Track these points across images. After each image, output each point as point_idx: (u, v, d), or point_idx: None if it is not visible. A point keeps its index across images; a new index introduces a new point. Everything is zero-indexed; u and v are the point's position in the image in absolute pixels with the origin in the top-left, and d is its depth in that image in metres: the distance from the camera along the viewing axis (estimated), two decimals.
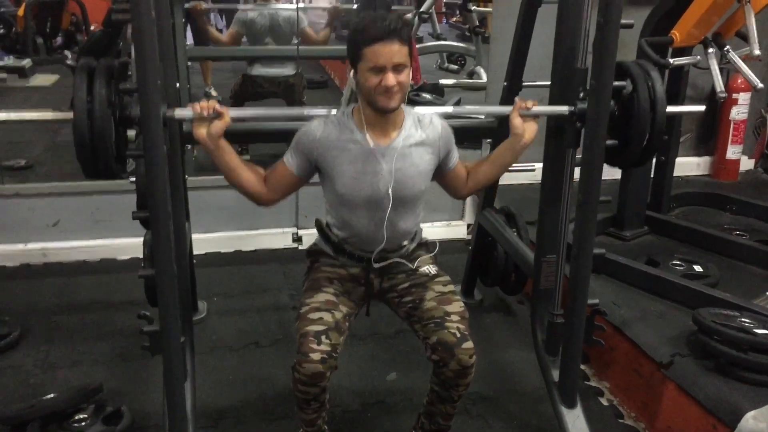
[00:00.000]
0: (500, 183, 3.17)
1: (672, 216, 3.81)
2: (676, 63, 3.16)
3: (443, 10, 10.59)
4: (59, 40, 8.05)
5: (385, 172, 2.03)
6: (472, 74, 7.29)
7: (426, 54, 7.40)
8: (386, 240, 2.11)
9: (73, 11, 8.02)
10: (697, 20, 3.03)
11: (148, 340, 2.11)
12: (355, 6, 4.81)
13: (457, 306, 2.11)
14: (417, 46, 6.45)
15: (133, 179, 2.49)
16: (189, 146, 2.74)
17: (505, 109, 2.21)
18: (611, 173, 3.35)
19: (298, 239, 3.97)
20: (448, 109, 2.33)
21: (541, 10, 2.59)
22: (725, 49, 3.07)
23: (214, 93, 6.54)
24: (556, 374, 2.40)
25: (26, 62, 7.20)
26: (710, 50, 3.10)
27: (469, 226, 4.09)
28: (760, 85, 3.05)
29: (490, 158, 2.25)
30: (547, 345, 2.48)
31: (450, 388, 2.09)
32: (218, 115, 1.93)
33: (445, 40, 8.03)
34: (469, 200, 4.12)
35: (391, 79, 1.90)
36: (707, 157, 4.64)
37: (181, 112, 1.97)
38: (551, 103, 2.28)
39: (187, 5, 4.45)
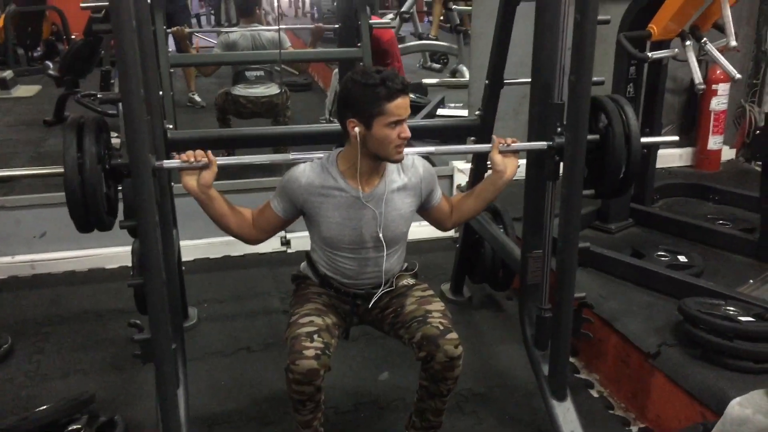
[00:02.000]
0: None
1: (656, 207, 3.85)
2: (654, 56, 3.20)
3: (424, 9, 10.63)
4: (40, 50, 8.03)
5: (369, 218, 2.09)
6: (455, 72, 7.33)
7: (408, 54, 7.43)
8: (371, 279, 2.20)
9: (54, 21, 7.99)
10: (674, 14, 3.06)
11: (139, 349, 2.11)
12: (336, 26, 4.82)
13: (437, 305, 2.17)
14: (399, 46, 6.47)
15: (120, 188, 2.50)
16: (174, 153, 2.74)
17: (485, 147, 2.29)
18: None
19: (286, 243, 3.95)
20: (430, 149, 2.39)
21: (520, 8, 2.61)
22: (702, 41, 3.11)
23: (198, 98, 6.55)
24: (545, 368, 2.42)
25: (8, 73, 7.18)
26: (688, 43, 3.13)
27: None
28: (738, 75, 3.08)
29: (473, 194, 2.30)
30: (537, 339, 2.50)
31: (439, 381, 2.12)
32: (206, 165, 1.98)
33: (427, 38, 8.06)
34: None
35: (406, 128, 1.98)
36: (689, 148, 4.68)
37: (170, 164, 2.04)
38: (530, 138, 2.34)
39: (169, 30, 4.45)
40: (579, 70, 2.01)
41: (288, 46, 4.96)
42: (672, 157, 4.62)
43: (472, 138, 3.10)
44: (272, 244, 3.92)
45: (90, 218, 1.93)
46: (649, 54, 3.19)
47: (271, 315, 3.32)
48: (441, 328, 2.07)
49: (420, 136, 3.83)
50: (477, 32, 4.17)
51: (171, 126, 2.75)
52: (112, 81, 5.84)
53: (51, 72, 6.20)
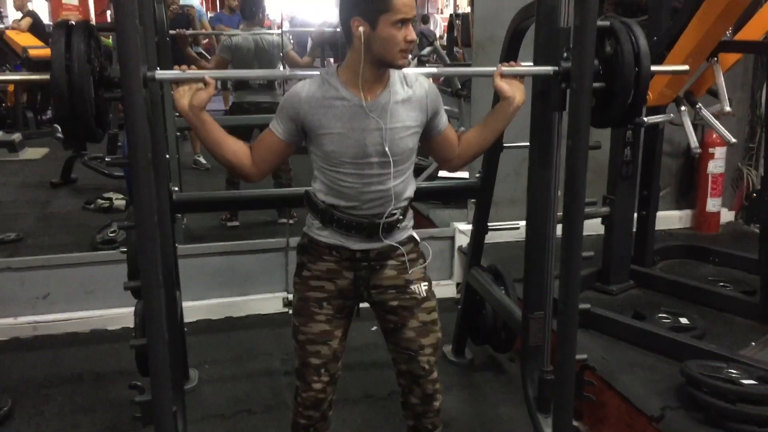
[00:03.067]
0: (486, 241, 3.22)
1: (656, 269, 3.87)
2: (650, 121, 3.27)
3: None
4: (49, 113, 8.18)
5: (372, 129, 1.98)
6: None
7: None
8: (375, 203, 2.06)
9: None
10: (668, 80, 3.15)
11: (140, 410, 2.10)
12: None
13: (433, 338, 2.19)
14: None
15: (124, 249, 2.54)
16: (179, 215, 2.79)
17: (488, 70, 2.18)
18: (595, 229, 3.43)
19: (288, 303, 3.98)
20: (432, 70, 2.30)
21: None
22: (697, 106, 3.18)
23: (202, 160, 6.64)
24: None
25: (16, 136, 7.30)
26: (683, 108, 3.21)
27: (458, 285, 4.13)
28: (733, 140, 3.15)
29: (483, 123, 2.20)
30: (539, 402, 2.48)
31: (420, 417, 2.22)
32: (202, 78, 1.91)
33: None
34: (457, 260, 4.16)
35: (413, 32, 1.91)
36: (688, 210, 4.72)
37: (161, 74, 1.96)
38: (536, 64, 2.25)
39: (171, 32, 4.53)
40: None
41: (290, 49, 5.05)
42: (671, 219, 4.66)
43: (473, 200, 3.14)
44: (275, 305, 3.96)
45: (78, 125, 1.84)
46: (646, 119, 3.26)
47: (273, 376, 3.30)
48: (426, 368, 2.16)
49: (421, 197, 3.87)
50: (477, 96, 4.26)
51: (177, 189, 2.79)
52: (119, 144, 5.95)
53: (59, 135, 6.30)
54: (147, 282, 1.87)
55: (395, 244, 2.11)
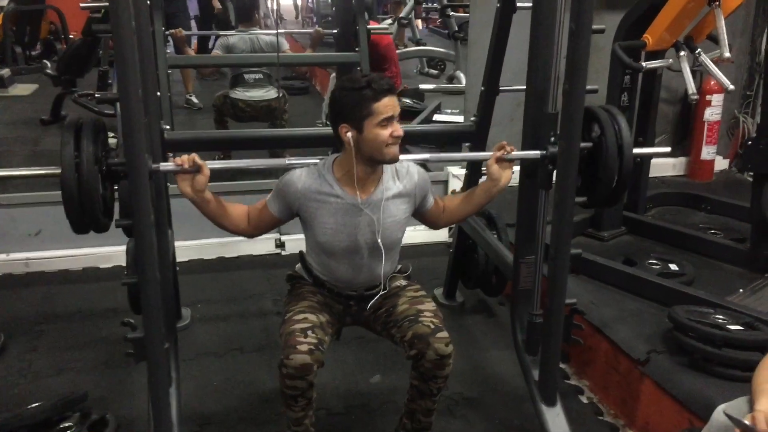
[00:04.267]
0: None
1: (648, 216, 3.88)
2: (649, 66, 3.23)
3: (423, 15, 10.66)
4: (38, 49, 8.02)
5: (364, 225, 2.12)
6: (452, 78, 7.33)
7: (406, 59, 7.45)
8: (365, 283, 2.24)
9: (52, 20, 7.99)
10: (668, 24, 3.10)
11: (132, 348, 2.11)
12: (334, 31, 4.82)
13: (429, 305, 2.21)
14: (397, 51, 6.50)
15: (116, 187, 2.51)
16: (171, 154, 2.76)
17: (484, 155, 2.33)
18: None
19: (281, 245, 3.99)
20: (426, 156, 2.40)
21: (516, 15, 2.63)
22: (697, 52, 3.14)
23: (195, 100, 6.56)
24: (536, 373, 2.43)
25: (5, 72, 7.16)
26: (682, 53, 3.16)
27: (450, 229, 4.13)
28: (731, 86, 3.11)
29: (466, 198, 2.33)
30: (527, 345, 2.52)
31: (429, 380, 2.16)
32: (198, 169, 1.99)
33: (425, 45, 8.08)
34: None
35: (398, 127, 2.01)
36: (682, 158, 4.71)
37: (166, 167, 2.05)
38: (524, 147, 2.36)
39: (167, 32, 4.47)
40: (573, 80, 2.02)
41: (286, 49, 4.98)
42: (665, 166, 4.65)
43: (467, 144, 3.13)
44: (267, 246, 3.97)
45: (86, 219, 1.93)
46: (644, 64, 3.22)
47: (265, 317, 3.33)
48: (432, 326, 2.11)
49: (416, 141, 3.86)
50: (474, 39, 4.20)
51: (168, 127, 2.76)
52: (110, 81, 5.86)
53: (48, 71, 6.20)
54: (138, 220, 1.86)
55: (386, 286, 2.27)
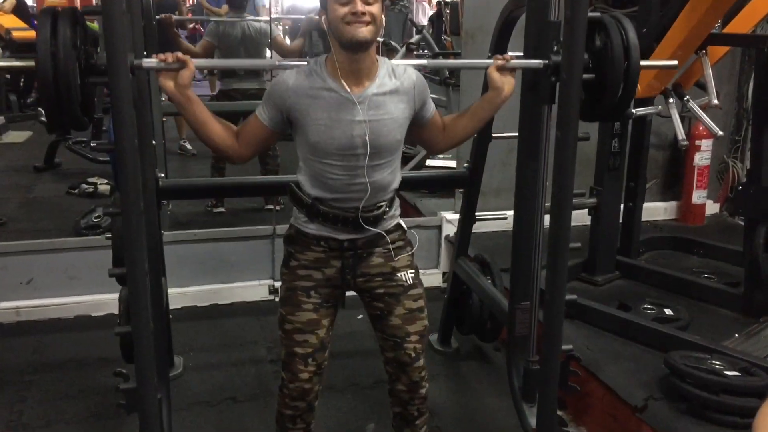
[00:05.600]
0: (474, 231, 3.23)
1: (642, 260, 3.89)
2: (638, 113, 3.27)
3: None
4: (32, 96, 8.08)
5: (359, 120, 1.99)
6: None
7: None
8: (361, 192, 2.06)
9: None
10: (657, 72, 3.15)
11: (124, 398, 2.09)
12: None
13: (419, 325, 2.20)
14: None
15: (109, 236, 2.51)
16: (165, 202, 2.77)
17: (484, 63, 2.21)
18: (581, 219, 3.44)
19: (274, 291, 3.97)
20: (423, 61, 2.32)
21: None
22: (685, 99, 3.19)
23: (188, 146, 6.59)
24: (533, 421, 2.41)
25: None
26: (671, 100, 3.21)
27: (444, 274, 4.13)
28: (720, 132, 3.17)
29: (469, 111, 2.22)
30: (524, 391, 2.50)
31: (406, 404, 2.24)
32: (183, 65, 1.89)
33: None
34: (444, 249, 4.17)
35: (359, 4, 1.88)
36: (674, 202, 4.75)
37: (148, 62, 1.93)
38: (526, 57, 2.26)
39: (157, 17, 4.49)
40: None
41: (276, 35, 5.01)
42: (657, 210, 4.68)
43: (461, 190, 3.14)
44: (260, 293, 3.94)
45: (63, 112, 1.81)
46: (634, 111, 3.26)
47: (258, 364, 3.29)
48: (412, 356, 2.17)
49: (409, 186, 3.88)
50: (465, 85, 4.26)
51: (162, 175, 2.77)
52: (104, 128, 5.89)
53: (42, 119, 6.24)
54: (132, 269, 1.85)
55: (382, 232, 2.13)
